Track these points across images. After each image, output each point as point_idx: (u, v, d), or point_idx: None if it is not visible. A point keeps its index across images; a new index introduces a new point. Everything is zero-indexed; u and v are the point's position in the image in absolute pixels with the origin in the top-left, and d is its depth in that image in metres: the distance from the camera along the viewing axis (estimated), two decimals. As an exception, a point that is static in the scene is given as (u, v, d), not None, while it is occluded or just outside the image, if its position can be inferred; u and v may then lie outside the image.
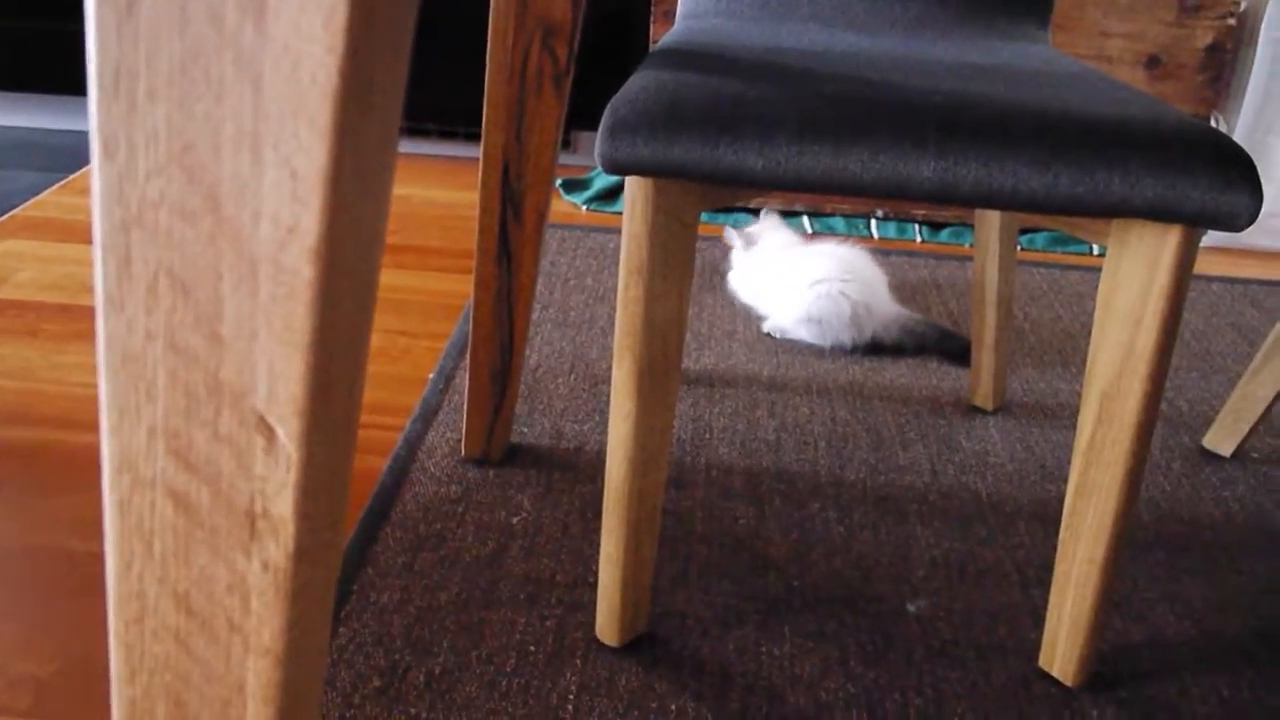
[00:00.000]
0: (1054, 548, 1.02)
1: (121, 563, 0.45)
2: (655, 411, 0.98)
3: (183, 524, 0.43)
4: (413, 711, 0.98)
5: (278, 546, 0.43)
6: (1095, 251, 2.18)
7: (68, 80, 2.49)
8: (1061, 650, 1.05)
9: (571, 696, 1.01)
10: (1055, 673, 1.06)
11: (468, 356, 1.30)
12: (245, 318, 0.40)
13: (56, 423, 1.40)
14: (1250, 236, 2.23)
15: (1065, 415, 1.53)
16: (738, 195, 0.98)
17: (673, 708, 1.00)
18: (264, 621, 0.44)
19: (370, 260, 0.42)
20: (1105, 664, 1.08)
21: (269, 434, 0.41)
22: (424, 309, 1.76)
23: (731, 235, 1.82)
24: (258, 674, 0.45)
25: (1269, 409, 1.40)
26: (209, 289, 0.40)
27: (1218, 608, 1.17)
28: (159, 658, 0.46)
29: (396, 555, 1.17)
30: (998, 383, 1.53)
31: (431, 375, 1.54)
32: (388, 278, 1.87)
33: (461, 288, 1.84)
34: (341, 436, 0.44)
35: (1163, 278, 0.89)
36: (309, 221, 0.38)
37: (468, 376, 1.30)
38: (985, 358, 1.51)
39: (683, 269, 0.94)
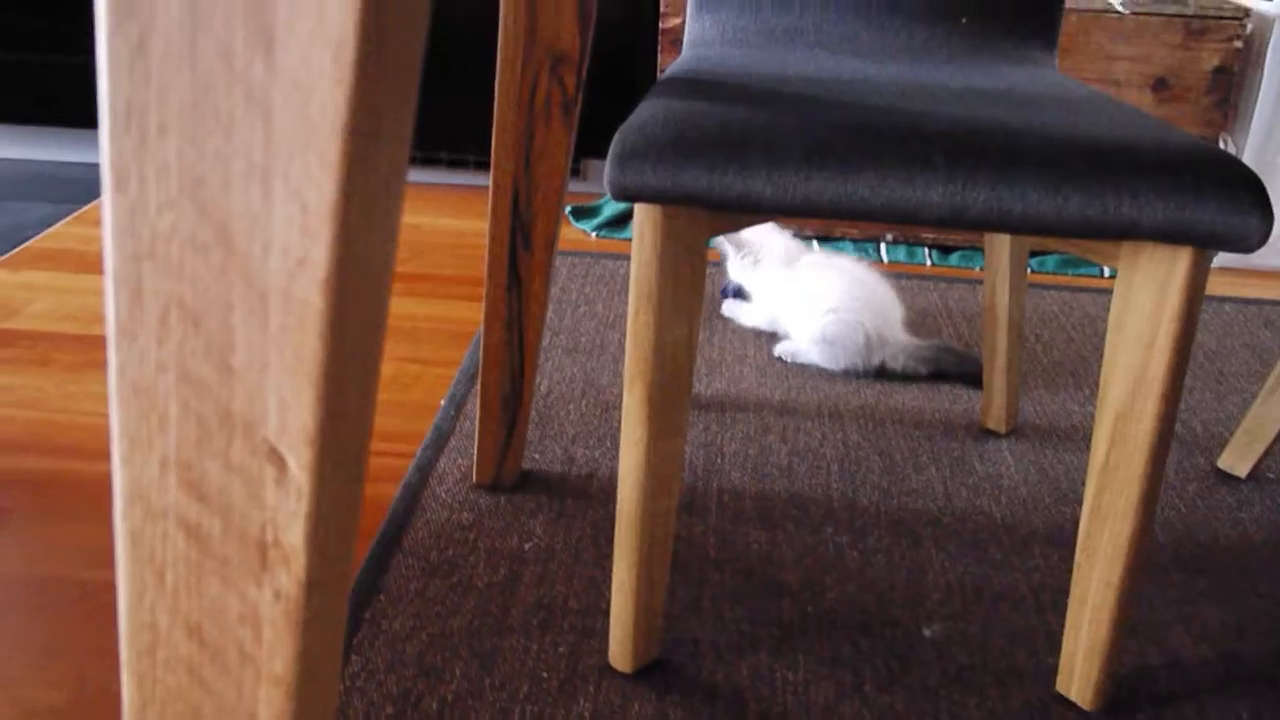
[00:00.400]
0: (1069, 570, 1.01)
1: (133, 594, 0.45)
2: (667, 437, 0.97)
3: (194, 555, 0.43)
4: (425, 740, 0.98)
5: (289, 576, 0.43)
6: (1106, 274, 2.17)
7: (80, 114, 2.52)
8: (1079, 674, 1.04)
9: (584, 724, 1.00)
10: (1073, 697, 1.05)
11: (478, 383, 1.30)
12: (256, 348, 0.40)
13: (69, 452, 1.40)
14: (1262, 257, 2.23)
15: (1078, 437, 1.53)
16: (747, 221, 0.98)
17: (686, 735, 0.99)
18: (276, 651, 0.44)
19: (380, 290, 0.43)
20: (1123, 687, 1.07)
21: (280, 464, 0.41)
22: (435, 336, 1.77)
23: (722, 244, 1.78)
24: (270, 704, 0.45)
25: (1284, 429, 1.40)
26: (220, 320, 0.40)
27: (1236, 630, 1.16)
28: (171, 688, 0.46)
29: (408, 582, 1.17)
30: (1010, 405, 1.52)
31: (443, 402, 1.54)
32: (398, 306, 1.88)
33: (472, 315, 1.85)
34: (352, 466, 0.44)
35: (1174, 299, 0.89)
36: (319, 253, 0.39)
37: (479, 403, 1.30)
38: (997, 380, 1.51)
39: (692, 295, 0.94)
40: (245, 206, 0.39)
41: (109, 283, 0.41)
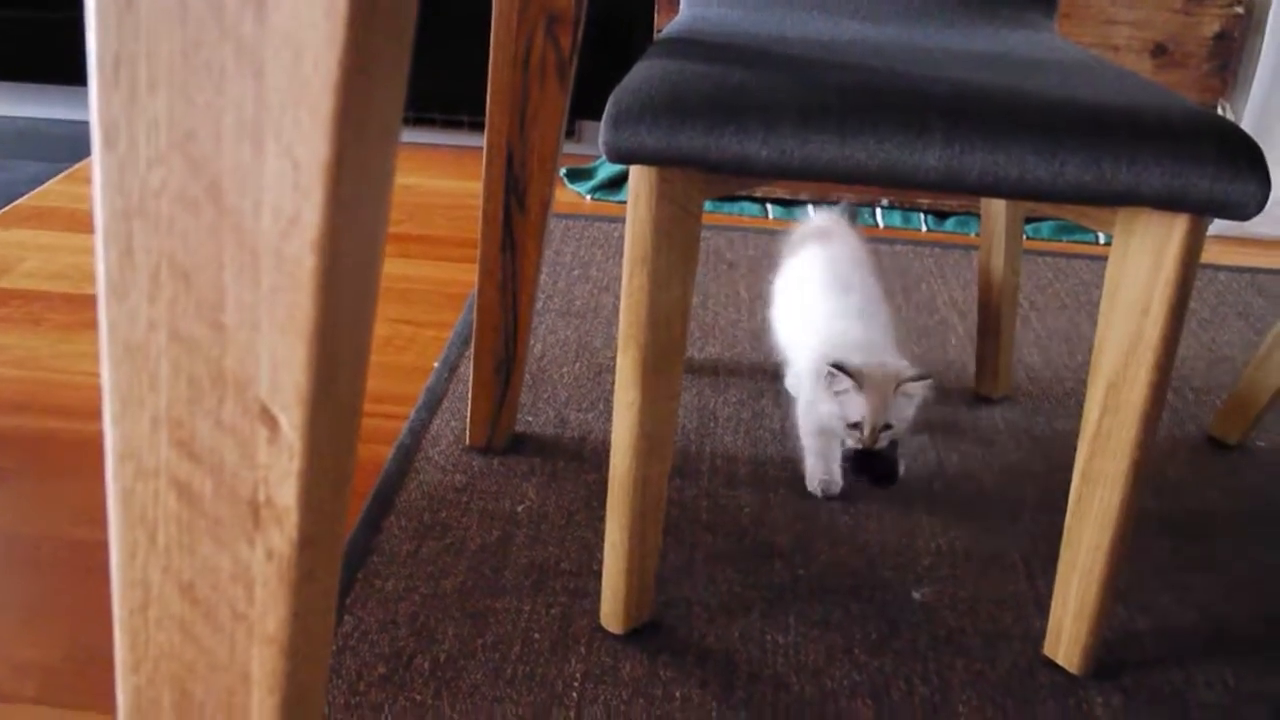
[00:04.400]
0: (1059, 536, 1.02)
1: (125, 552, 0.45)
2: (660, 400, 0.97)
3: (186, 513, 0.43)
4: (418, 698, 0.98)
5: (281, 535, 0.43)
6: (1101, 240, 2.17)
7: (70, 70, 2.49)
8: (1067, 638, 1.05)
9: (576, 684, 1.01)
10: (1060, 660, 1.06)
11: (472, 345, 1.30)
12: (248, 307, 0.40)
13: (61, 412, 1.40)
14: (1257, 225, 2.22)
15: (1071, 404, 1.53)
16: (742, 184, 0.98)
17: (677, 695, 1.00)
18: (268, 610, 0.44)
19: (373, 250, 0.42)
20: (1110, 652, 1.07)
21: (272, 423, 0.41)
22: (428, 298, 1.76)
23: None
24: (262, 663, 0.46)
25: (1276, 397, 1.40)
26: (211, 278, 0.40)
27: (1224, 596, 1.17)
28: (163, 646, 0.46)
29: (401, 543, 1.18)
30: (1003, 372, 1.52)
31: (436, 364, 1.54)
32: (392, 267, 1.87)
33: (466, 277, 1.84)
34: (345, 426, 0.44)
35: (1169, 267, 0.89)
36: (311, 212, 0.38)
37: (472, 365, 1.30)
38: (991, 347, 1.51)
39: (687, 258, 0.94)
40: (236, 163, 0.38)
41: (99, 240, 0.41)
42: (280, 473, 0.42)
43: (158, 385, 0.41)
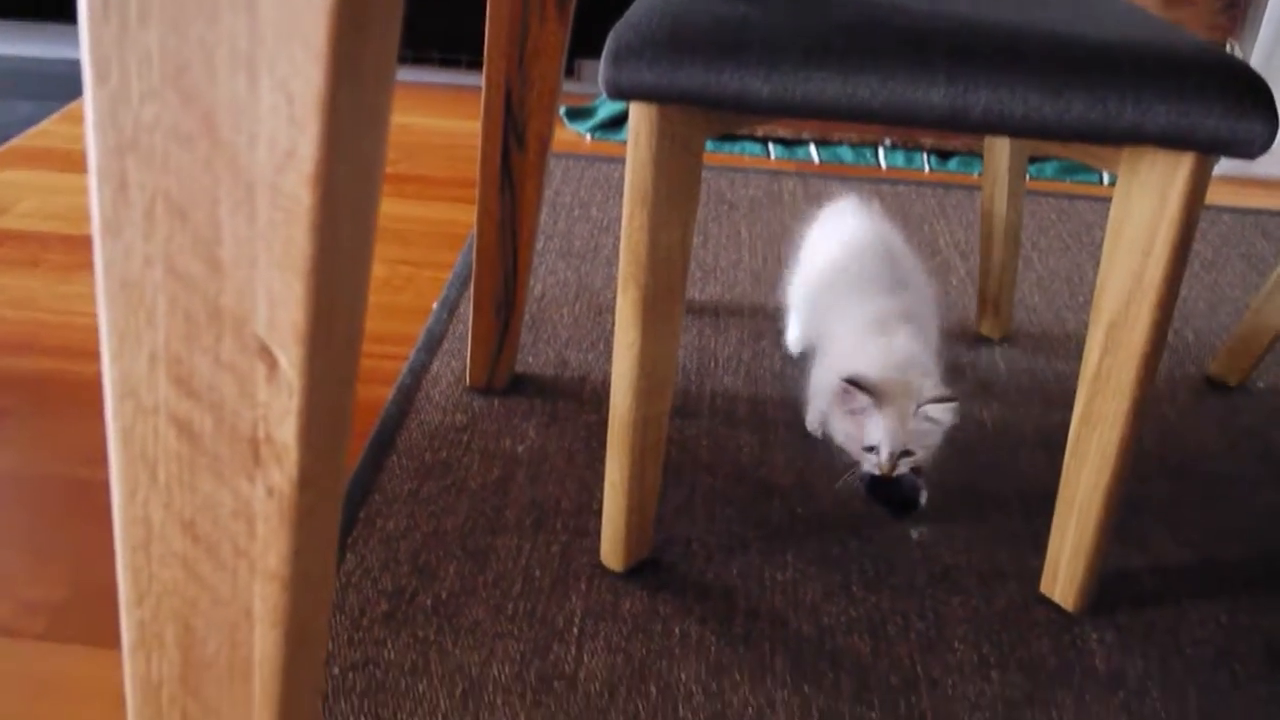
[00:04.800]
0: (1057, 476, 1.02)
1: (126, 489, 0.45)
2: (660, 340, 0.97)
3: (186, 451, 0.43)
4: (420, 634, 0.99)
5: (282, 473, 0.43)
6: (1105, 181, 2.15)
7: (64, 7, 2.46)
8: (1063, 576, 1.06)
9: (576, 620, 1.02)
10: (1056, 598, 1.07)
11: (471, 286, 1.29)
12: (244, 243, 0.39)
13: (61, 352, 1.40)
14: (1263, 166, 2.21)
15: (1071, 345, 1.53)
16: (744, 121, 0.96)
17: (676, 631, 1.01)
18: (270, 547, 0.45)
19: (370, 185, 0.42)
20: (1106, 590, 1.08)
21: (271, 361, 0.41)
22: (427, 239, 1.75)
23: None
24: (264, 599, 0.46)
25: (1276, 339, 1.40)
26: (207, 214, 0.39)
27: (1218, 536, 1.18)
28: (166, 583, 0.47)
29: (403, 483, 1.18)
30: (1004, 313, 1.52)
31: (436, 305, 1.54)
32: (390, 207, 1.86)
33: (465, 217, 1.83)
34: (344, 363, 0.44)
35: (1174, 206, 0.88)
36: (307, 146, 0.38)
37: (472, 306, 1.30)
38: (993, 288, 1.50)
39: (688, 197, 0.93)
40: (230, 96, 0.38)
41: (93, 177, 0.40)
42: (280, 410, 0.42)
43: (155, 322, 0.41)
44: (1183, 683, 1.00)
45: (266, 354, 0.41)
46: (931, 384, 1.09)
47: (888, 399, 1.07)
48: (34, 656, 0.97)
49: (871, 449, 1.09)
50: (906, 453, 1.09)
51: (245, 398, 0.42)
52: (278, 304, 0.40)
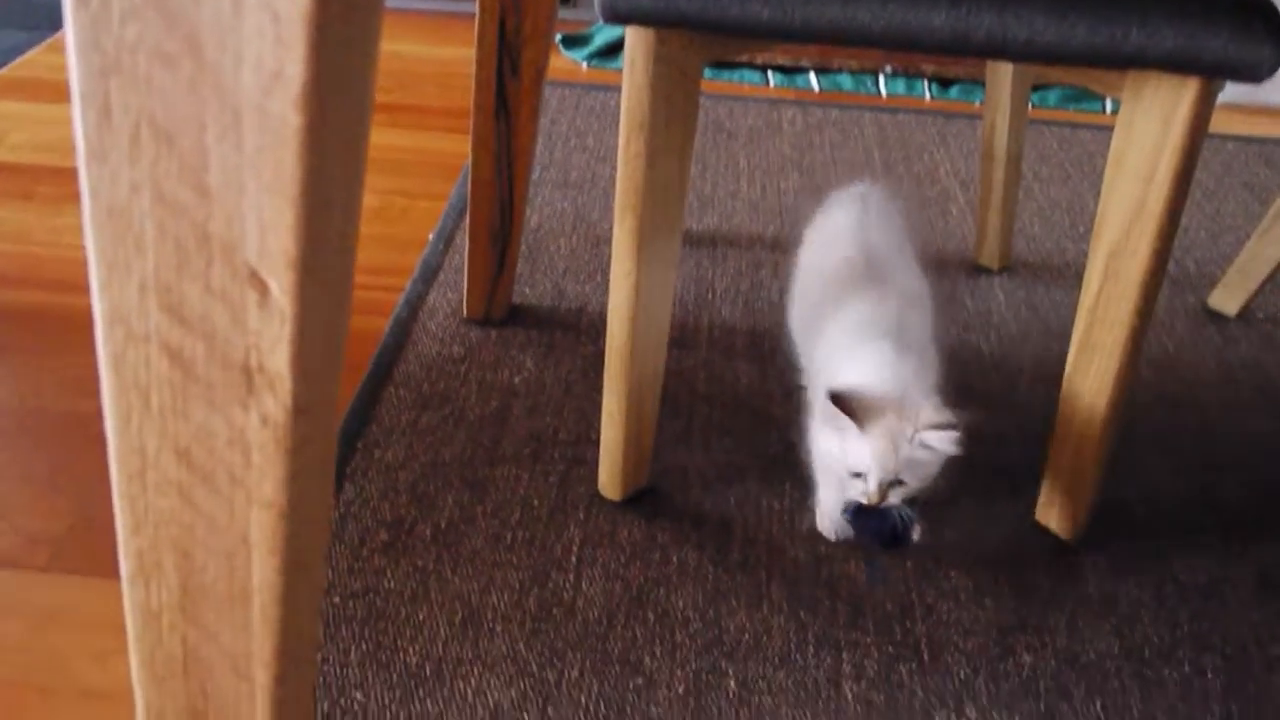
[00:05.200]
0: (1054, 406, 1.03)
1: (120, 418, 0.45)
2: (657, 270, 0.97)
3: (179, 379, 0.43)
4: (419, 563, 1.00)
5: (275, 401, 0.43)
6: (1109, 110, 2.13)
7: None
8: (1059, 505, 1.06)
9: (575, 548, 1.03)
10: (1052, 527, 1.07)
11: (467, 217, 1.28)
12: (232, 168, 0.39)
13: (56, 285, 1.39)
14: (1268, 93, 2.18)
15: (1071, 275, 1.52)
16: (742, 46, 0.95)
17: (674, 559, 1.02)
18: (265, 475, 0.45)
19: (360, 108, 0.41)
20: (1101, 519, 1.09)
21: (262, 288, 0.41)
22: (422, 169, 1.74)
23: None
24: (261, 527, 0.46)
25: (1277, 268, 1.39)
26: (193, 138, 0.39)
27: (1214, 465, 1.19)
28: (163, 511, 0.47)
29: (400, 414, 1.18)
30: (1004, 242, 1.51)
31: (431, 236, 1.53)
32: (383, 137, 1.84)
33: (460, 147, 1.81)
34: (337, 291, 0.43)
35: (1177, 132, 0.87)
36: (294, 67, 0.37)
37: (467, 237, 1.29)
38: (993, 217, 1.49)
39: (685, 124, 0.92)
40: (214, 15, 0.37)
41: (75, 101, 0.39)
42: (272, 338, 0.41)
43: (144, 249, 0.41)
44: (1174, 609, 1.01)
45: (257, 281, 0.40)
46: (931, 405, 0.94)
47: (877, 419, 0.92)
48: (38, 587, 0.98)
49: (858, 475, 0.94)
50: (898, 481, 0.94)
51: (237, 325, 0.41)
52: (268, 230, 0.39)
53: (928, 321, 1.08)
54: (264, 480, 0.45)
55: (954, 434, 0.92)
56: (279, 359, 0.42)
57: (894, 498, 0.94)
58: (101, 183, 0.40)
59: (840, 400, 0.93)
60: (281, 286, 0.40)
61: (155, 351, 0.43)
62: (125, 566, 0.49)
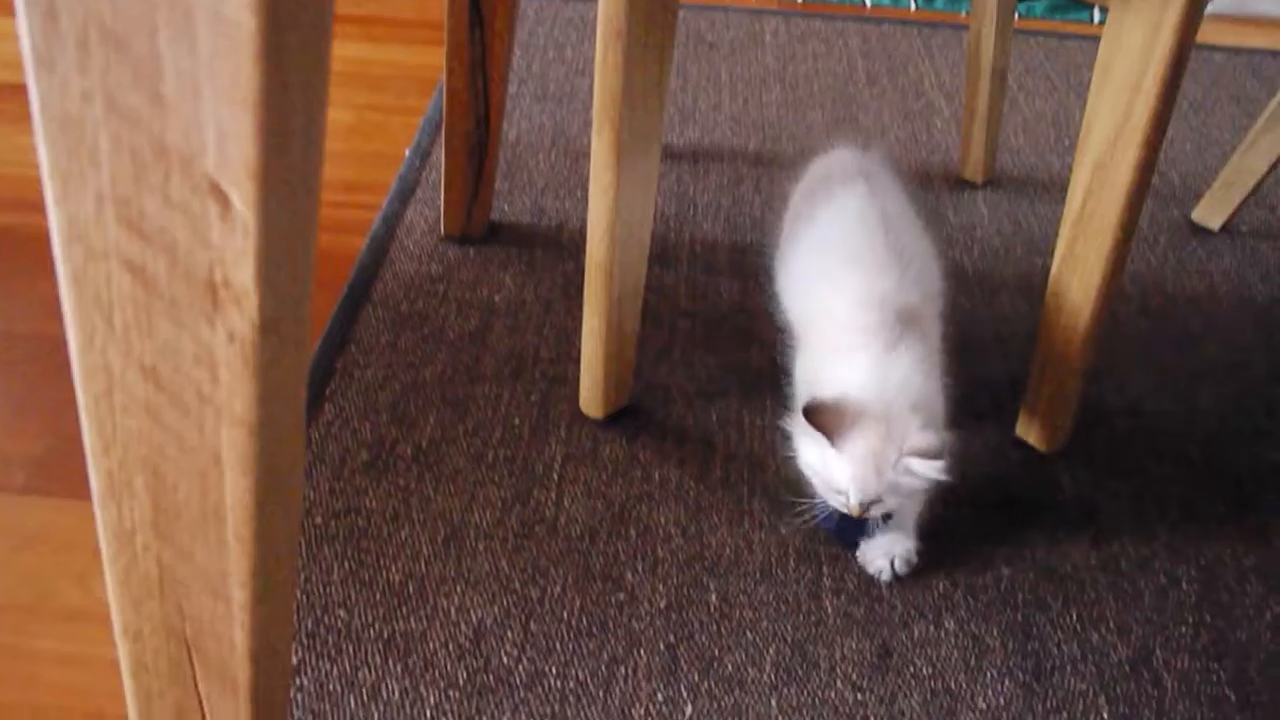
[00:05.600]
0: (1036, 320, 1.02)
1: (83, 336, 0.44)
2: (636, 184, 0.95)
3: (141, 295, 0.42)
4: (401, 482, 1.00)
5: (242, 317, 0.42)
6: (1096, 20, 2.09)
7: None
8: (1039, 419, 1.06)
9: (556, 466, 1.03)
10: (1032, 441, 1.08)
11: (443, 131, 1.25)
12: (186, 74, 0.37)
13: (22, 206, 1.36)
14: (1257, 3, 2.14)
15: (1055, 189, 1.51)
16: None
17: (656, 476, 1.02)
18: (234, 393, 0.44)
19: (320, 10, 0.39)
20: (1081, 432, 1.10)
21: (223, 200, 0.39)
22: (397, 83, 1.70)
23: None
24: (232, 445, 0.45)
25: (1262, 181, 1.38)
26: (145, 44, 0.37)
27: (1194, 378, 1.19)
28: (131, 431, 0.46)
29: (379, 334, 1.17)
30: (988, 156, 1.49)
31: (408, 152, 1.50)
32: (356, 50, 1.79)
33: (435, 60, 1.77)
34: (301, 202, 0.42)
35: (1165, 40, 0.85)
36: (247, -35, 0.35)
37: (444, 152, 1.26)
38: (977, 130, 1.47)
39: (664, 33, 0.89)
40: (160, -90, 0.35)
41: (20, 6, 0.37)
42: (235, 252, 0.40)
43: (98, 161, 0.39)
44: (1151, 521, 1.02)
45: (218, 193, 0.39)
46: (918, 426, 0.86)
47: (858, 438, 0.86)
48: (16, 510, 0.97)
49: (840, 490, 0.89)
50: (879, 500, 0.88)
51: (199, 239, 0.40)
52: (226, 139, 0.38)
53: (935, 320, 0.98)
54: (233, 398, 0.44)
55: (939, 464, 0.85)
56: (243, 274, 0.41)
57: (875, 512, 0.90)
58: (51, 92, 0.38)
59: (816, 417, 0.86)
60: (243, 198, 0.39)
61: (116, 268, 0.41)
62: (96, 487, 0.48)
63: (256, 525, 0.48)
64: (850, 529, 0.95)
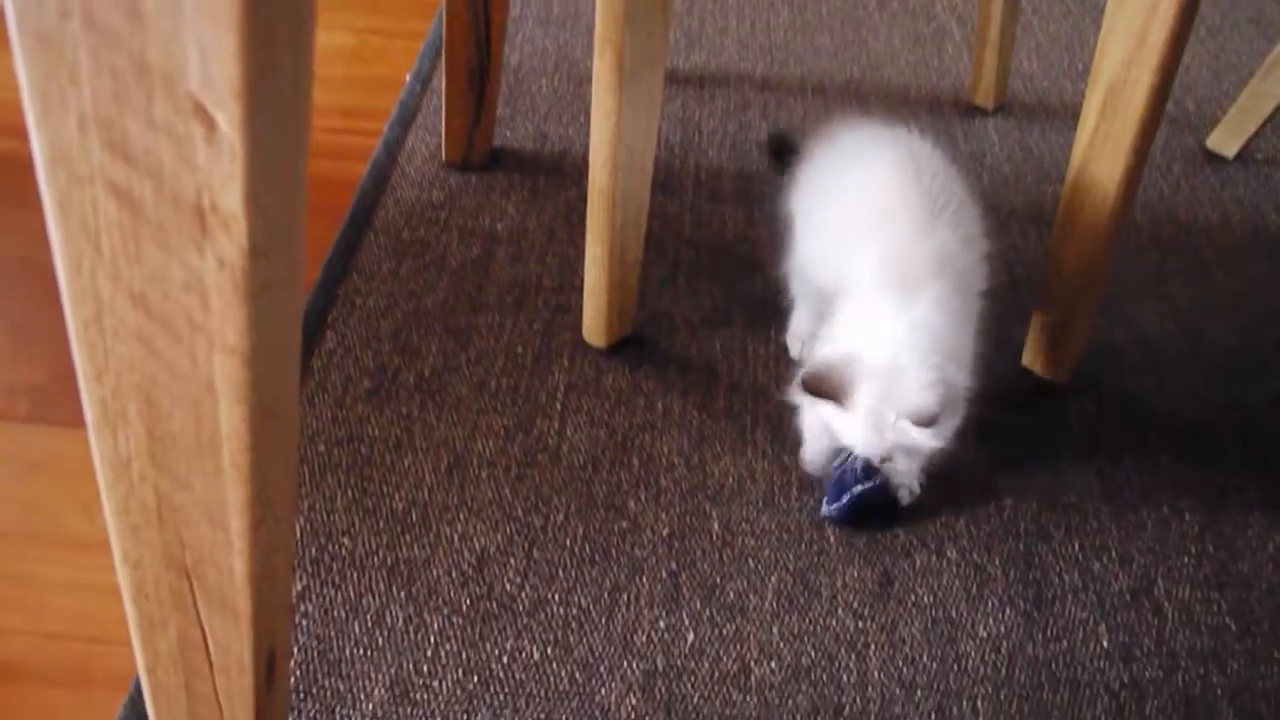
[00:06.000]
0: (1046, 249, 1.01)
1: (71, 262, 0.43)
2: (639, 108, 0.93)
3: (128, 220, 0.41)
4: (404, 410, 1.00)
5: (231, 243, 0.41)
6: (1114, -62, 2.03)
7: None
8: (1046, 349, 1.06)
9: (560, 395, 1.02)
10: (1039, 370, 1.07)
11: (443, 55, 1.23)
12: (167, -11, 0.36)
13: (14, 132, 1.35)
14: (1281, -80, 2.08)
15: (1067, 115, 1.48)
16: None
17: (659, 405, 1.02)
18: (226, 320, 0.43)
19: (304, -77, 0.38)
20: (1089, 363, 1.09)
21: (208, 121, 0.38)
22: (397, 6, 1.66)
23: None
24: (225, 373, 0.45)
25: (1279, 109, 1.35)
26: (123, -44, 0.36)
27: (1204, 309, 1.18)
28: (123, 358, 0.45)
29: (381, 262, 1.16)
30: (1000, 81, 1.46)
31: (408, 77, 1.47)
32: (358, -29, 1.75)
33: (438, -18, 1.73)
34: (290, 124, 0.41)
35: (1185, -42, 0.82)
36: (226, -127, 0.34)
37: (444, 76, 1.24)
38: (989, 55, 1.44)
39: (668, -48, 0.87)
40: None
41: (-4, -85, 0.36)
42: (223, 176, 0.39)
43: (78, 81, 0.38)
44: (1156, 452, 1.01)
45: (202, 113, 0.38)
46: (922, 384, 0.82)
47: (861, 396, 0.83)
48: (20, 438, 0.97)
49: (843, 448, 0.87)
50: (889, 459, 0.87)
51: (184, 162, 0.39)
52: (209, 58, 0.37)
53: (974, 265, 0.94)
54: (225, 326, 0.43)
55: (932, 431, 0.82)
56: (231, 198, 0.40)
57: (895, 469, 0.89)
58: (28, 6, 0.37)
59: (815, 385, 0.83)
60: (229, 120, 0.38)
61: (101, 192, 0.40)
62: (90, 415, 0.48)
63: (252, 454, 0.47)
64: (856, 506, 0.91)
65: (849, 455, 0.88)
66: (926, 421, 0.81)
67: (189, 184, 0.40)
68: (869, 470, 0.89)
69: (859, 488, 0.90)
